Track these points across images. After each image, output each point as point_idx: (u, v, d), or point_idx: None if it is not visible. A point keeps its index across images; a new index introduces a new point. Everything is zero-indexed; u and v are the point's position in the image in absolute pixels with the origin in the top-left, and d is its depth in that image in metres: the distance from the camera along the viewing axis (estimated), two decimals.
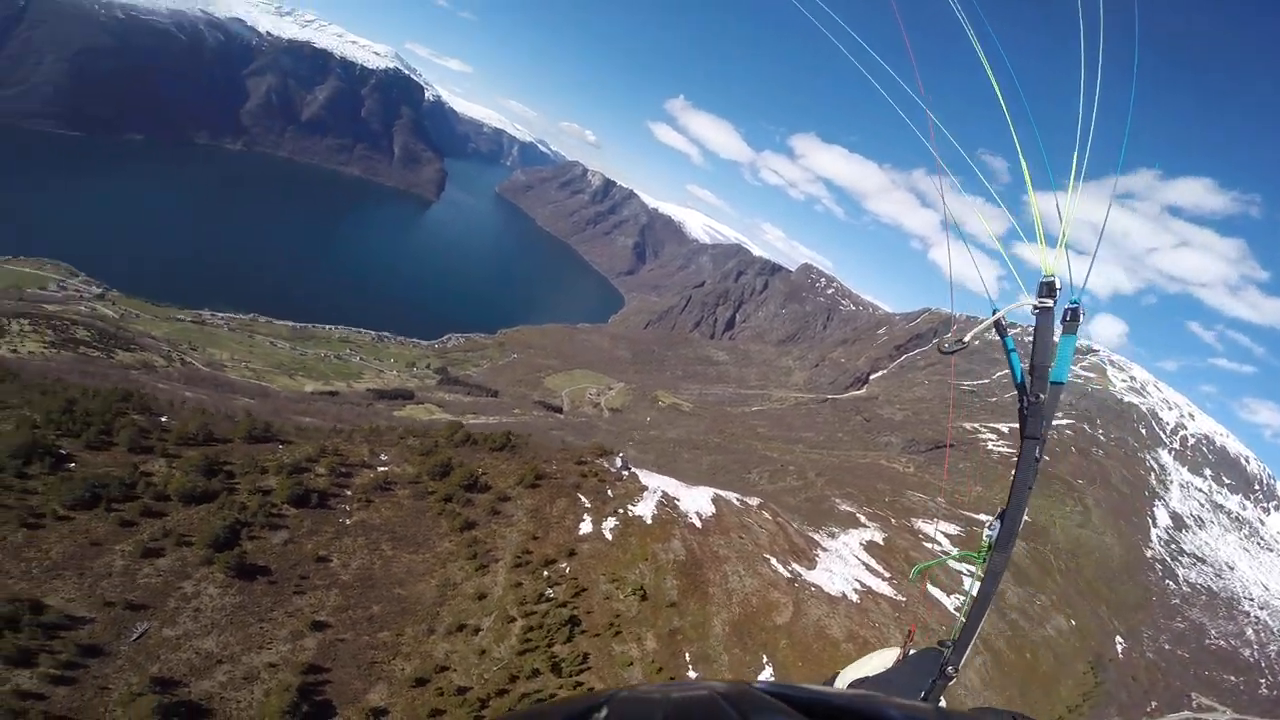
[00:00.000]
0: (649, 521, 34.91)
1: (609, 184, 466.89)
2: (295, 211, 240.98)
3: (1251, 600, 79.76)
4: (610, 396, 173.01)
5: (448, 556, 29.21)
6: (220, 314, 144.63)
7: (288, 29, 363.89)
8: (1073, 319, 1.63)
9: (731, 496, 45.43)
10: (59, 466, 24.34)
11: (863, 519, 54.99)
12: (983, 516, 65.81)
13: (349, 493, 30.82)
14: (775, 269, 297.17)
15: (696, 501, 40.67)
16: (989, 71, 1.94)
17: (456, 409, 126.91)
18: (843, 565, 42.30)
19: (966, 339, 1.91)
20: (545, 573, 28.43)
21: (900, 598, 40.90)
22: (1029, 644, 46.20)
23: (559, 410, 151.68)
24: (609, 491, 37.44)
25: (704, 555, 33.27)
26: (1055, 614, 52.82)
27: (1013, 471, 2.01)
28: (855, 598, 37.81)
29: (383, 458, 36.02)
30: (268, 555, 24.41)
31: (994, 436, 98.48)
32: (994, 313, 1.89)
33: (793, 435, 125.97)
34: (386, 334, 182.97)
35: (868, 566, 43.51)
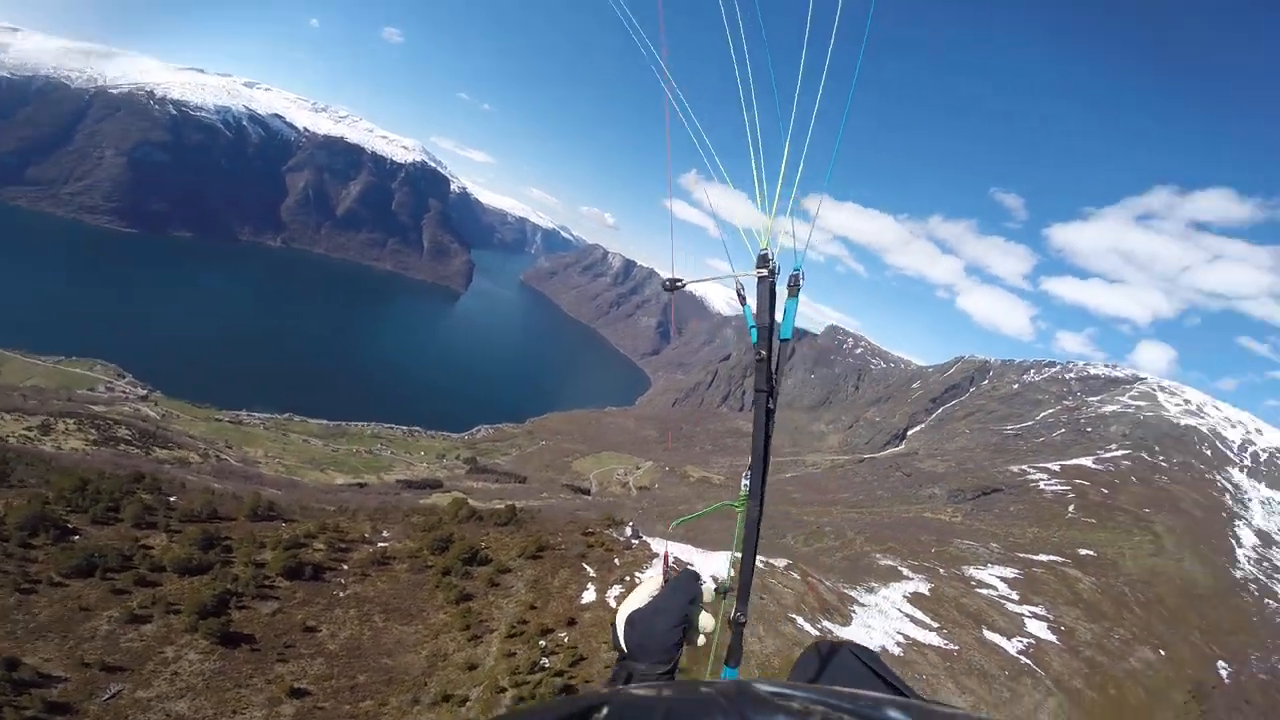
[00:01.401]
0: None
1: (630, 265, 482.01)
2: (332, 309, 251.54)
3: None
4: (638, 476, 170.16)
5: (441, 628, 28.09)
6: (257, 414, 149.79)
7: (323, 125, 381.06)
8: (795, 285, 1.95)
9: (756, 558, 43.53)
10: (63, 539, 25.01)
11: (906, 571, 51.92)
12: (1042, 557, 61.29)
13: (345, 567, 30.37)
14: (801, 334, 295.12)
15: (713, 565, 38.99)
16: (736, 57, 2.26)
17: (483, 495, 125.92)
18: (883, 619, 39.81)
19: (686, 281, 2.27)
20: (542, 642, 26.99)
21: (952, 646, 37.40)
22: (1112, 679, 40.83)
23: (586, 492, 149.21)
24: (615, 560, 36.21)
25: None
26: (1139, 646, 46.91)
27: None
28: (898, 650, 35.53)
29: (384, 534, 35.88)
30: (254, 624, 23.95)
31: (1045, 476, 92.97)
32: (737, 283, 2.19)
33: (829, 497, 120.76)
34: (418, 428, 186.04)
35: (912, 618, 40.79)
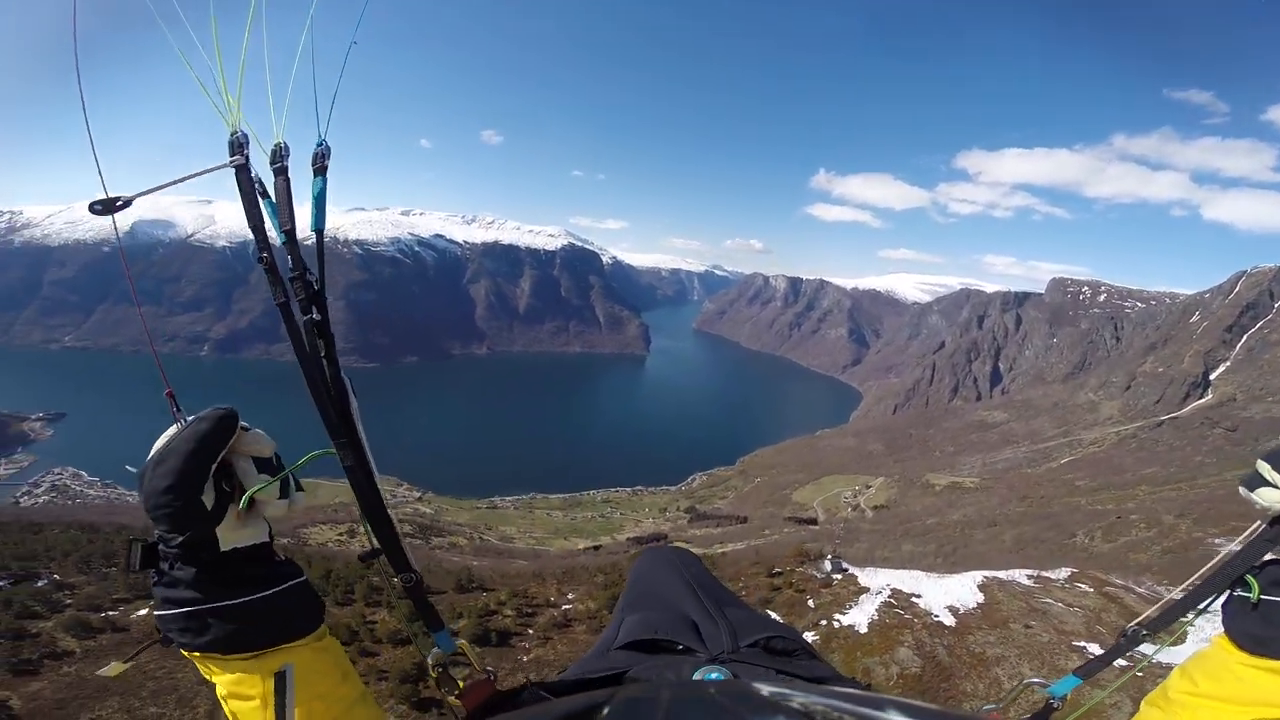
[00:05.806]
0: (863, 630, 26.57)
1: (795, 282, 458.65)
2: (546, 397, 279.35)
3: None
4: (870, 494, 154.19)
5: None
6: (507, 498, 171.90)
7: (478, 234, 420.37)
8: (318, 163, 1.42)
9: (1017, 575, 33.19)
10: None
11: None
12: None
13: (530, 631, 30.32)
14: (1023, 298, 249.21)
15: (951, 592, 30.47)
16: None
17: (706, 541, 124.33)
18: None
19: (131, 196, 1.50)
20: None
21: None
22: None
23: (813, 522, 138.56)
24: (810, 601, 30.48)
25: (956, 661, 23.40)
26: None
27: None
28: None
29: (569, 596, 35.62)
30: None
31: None
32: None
33: (1127, 478, 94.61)
34: (640, 487, 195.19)
35: None
